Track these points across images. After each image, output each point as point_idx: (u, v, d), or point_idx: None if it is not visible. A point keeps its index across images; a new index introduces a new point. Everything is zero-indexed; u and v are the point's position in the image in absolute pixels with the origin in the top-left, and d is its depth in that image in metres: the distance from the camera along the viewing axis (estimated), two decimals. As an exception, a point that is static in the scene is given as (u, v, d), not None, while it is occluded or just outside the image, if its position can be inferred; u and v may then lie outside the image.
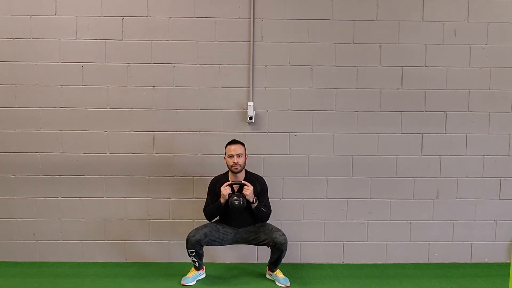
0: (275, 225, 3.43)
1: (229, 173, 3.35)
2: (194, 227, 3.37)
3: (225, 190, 3.22)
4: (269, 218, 3.37)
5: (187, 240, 3.22)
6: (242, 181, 3.26)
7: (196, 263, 3.31)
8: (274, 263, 3.33)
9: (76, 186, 3.66)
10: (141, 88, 3.63)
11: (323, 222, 3.74)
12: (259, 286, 3.30)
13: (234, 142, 3.31)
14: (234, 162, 3.24)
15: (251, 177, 3.37)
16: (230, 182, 3.27)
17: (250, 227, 3.35)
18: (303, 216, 3.73)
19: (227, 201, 3.22)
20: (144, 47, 3.60)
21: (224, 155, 3.34)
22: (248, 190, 3.21)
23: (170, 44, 3.61)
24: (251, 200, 3.23)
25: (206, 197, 3.40)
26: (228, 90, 3.63)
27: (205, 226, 3.32)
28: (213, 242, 3.29)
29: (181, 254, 3.68)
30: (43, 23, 3.57)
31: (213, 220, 3.41)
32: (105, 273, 3.50)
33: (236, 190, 3.27)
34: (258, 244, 3.32)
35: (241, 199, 3.18)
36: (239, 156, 3.25)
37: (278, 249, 3.23)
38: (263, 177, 3.46)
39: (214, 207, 3.31)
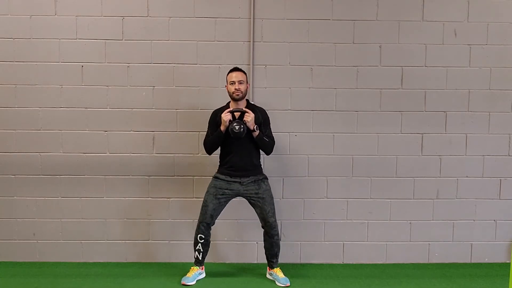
0: (275, 226, 3.38)
1: (231, 102, 3.31)
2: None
3: (226, 116, 3.16)
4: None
5: (198, 227, 3.28)
6: (243, 108, 3.20)
7: (200, 254, 3.31)
8: (270, 256, 3.34)
9: (76, 186, 3.66)
10: (141, 88, 3.63)
11: (323, 222, 3.74)
12: (259, 286, 3.30)
13: (236, 69, 3.28)
14: (235, 89, 3.20)
15: (253, 106, 3.33)
16: (231, 109, 3.21)
17: (252, 186, 3.26)
18: (303, 216, 3.73)
19: (227, 130, 3.17)
20: (144, 47, 3.60)
21: (226, 84, 3.31)
22: (249, 117, 3.15)
23: (170, 44, 3.61)
24: (251, 128, 3.17)
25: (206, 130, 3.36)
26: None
27: (206, 206, 3.27)
28: (219, 214, 3.33)
29: (181, 254, 3.68)
30: (43, 23, 3.57)
31: (212, 191, 3.29)
32: (105, 273, 3.50)
33: (237, 118, 3.20)
34: (253, 206, 3.30)
35: (241, 125, 3.12)
36: (240, 82, 3.21)
37: (268, 233, 3.27)
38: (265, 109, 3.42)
39: (215, 136, 3.25)
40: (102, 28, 3.58)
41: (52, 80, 3.60)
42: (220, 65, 3.62)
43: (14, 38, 3.57)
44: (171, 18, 3.60)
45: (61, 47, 3.59)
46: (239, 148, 3.24)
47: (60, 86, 3.61)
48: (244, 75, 3.28)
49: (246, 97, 3.31)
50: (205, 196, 3.32)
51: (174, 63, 3.62)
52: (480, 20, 3.65)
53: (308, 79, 3.65)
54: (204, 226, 3.27)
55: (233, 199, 3.37)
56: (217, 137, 3.24)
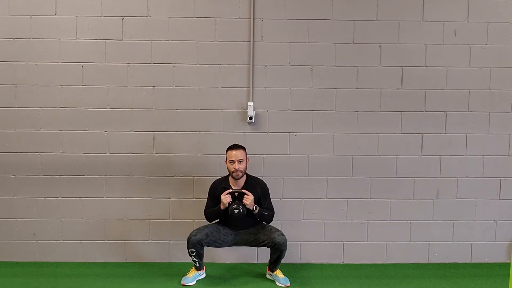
0: (275, 226, 3.43)
1: (230, 177, 3.35)
2: (195, 227, 3.37)
3: (225, 198, 3.21)
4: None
5: (188, 240, 3.22)
6: (243, 190, 3.25)
7: (197, 263, 3.31)
8: (274, 263, 3.33)
9: (76, 186, 3.66)
10: (141, 88, 3.63)
11: (323, 222, 3.74)
12: (259, 286, 3.30)
13: (235, 147, 3.29)
14: (235, 169, 3.24)
15: (252, 182, 3.37)
16: (230, 190, 3.26)
17: (250, 229, 3.36)
18: (303, 216, 3.73)
19: (227, 208, 3.23)
20: (144, 47, 3.60)
21: (225, 159, 3.34)
22: (248, 200, 3.21)
23: (170, 44, 3.60)
24: (251, 208, 3.23)
25: (206, 198, 3.40)
26: (228, 90, 3.63)
27: (206, 226, 3.32)
28: (213, 243, 3.30)
29: (181, 254, 3.68)
30: (43, 23, 3.57)
31: (214, 222, 3.41)
32: (105, 273, 3.50)
33: (236, 197, 3.26)
34: (258, 245, 3.33)
35: (241, 207, 3.19)
36: (240, 162, 3.24)
37: (277, 249, 3.23)
38: (264, 181, 3.45)
39: (214, 211, 3.32)
40: (102, 28, 3.58)
41: (52, 80, 3.60)
42: (220, 65, 3.62)
43: (14, 38, 3.57)
44: (171, 18, 3.60)
45: (61, 47, 3.59)
46: (238, 220, 3.30)
47: (60, 86, 3.61)
48: (244, 153, 3.30)
49: (245, 172, 3.34)
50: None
51: (174, 63, 3.62)
52: (480, 20, 3.65)
53: (308, 79, 3.65)
54: (195, 240, 3.21)
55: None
56: (216, 213, 3.32)
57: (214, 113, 3.64)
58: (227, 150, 3.31)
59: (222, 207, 3.24)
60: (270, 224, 3.40)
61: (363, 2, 3.62)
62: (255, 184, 3.35)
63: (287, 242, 3.27)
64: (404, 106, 3.68)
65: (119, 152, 3.65)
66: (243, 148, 3.32)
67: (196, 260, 3.29)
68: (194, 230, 3.27)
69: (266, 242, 3.26)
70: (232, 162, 3.25)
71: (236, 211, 3.18)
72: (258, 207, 3.28)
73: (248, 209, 3.22)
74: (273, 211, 3.39)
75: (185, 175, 3.68)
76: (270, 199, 3.42)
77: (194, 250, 3.23)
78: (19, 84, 3.60)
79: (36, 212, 3.68)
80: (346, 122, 3.68)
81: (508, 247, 3.79)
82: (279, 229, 3.38)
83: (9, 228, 3.68)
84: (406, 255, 3.77)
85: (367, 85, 3.66)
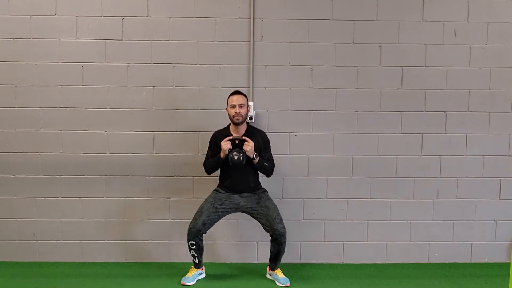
0: (278, 214, 3.31)
1: (231, 126, 3.31)
2: (193, 217, 3.32)
3: (225, 145, 3.16)
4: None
5: (188, 233, 3.21)
6: (243, 137, 3.20)
7: (196, 258, 3.30)
8: (274, 260, 3.33)
9: (76, 186, 3.66)
10: (141, 88, 3.63)
11: (323, 222, 3.74)
12: (259, 286, 3.30)
13: (236, 92, 3.28)
14: (236, 112, 3.20)
15: (253, 130, 3.34)
16: (230, 137, 3.21)
17: (251, 198, 3.27)
18: (303, 216, 3.73)
19: (227, 155, 3.18)
20: (144, 47, 3.60)
21: (226, 106, 3.32)
22: (249, 146, 3.15)
23: (170, 44, 3.61)
24: (251, 156, 3.17)
25: (205, 198, 3.40)
26: (228, 90, 3.61)
27: (201, 212, 3.24)
28: (213, 224, 3.27)
29: (181, 254, 3.68)
30: (43, 23, 3.57)
31: (210, 199, 3.31)
32: (105, 273, 3.50)
33: (237, 144, 3.21)
34: (256, 217, 3.26)
35: (241, 154, 3.13)
36: (241, 106, 3.21)
37: (277, 241, 3.21)
38: (265, 132, 3.42)
39: (214, 161, 3.27)
40: (102, 28, 3.58)
41: (52, 80, 3.60)
42: (220, 65, 3.62)
43: (14, 38, 3.57)
44: (171, 18, 3.60)
45: (61, 47, 3.59)
46: (238, 171, 3.25)
47: (60, 86, 3.61)
48: (245, 98, 3.28)
49: (246, 120, 3.32)
50: (202, 203, 3.31)
51: (174, 63, 3.62)
52: (480, 20, 3.65)
53: (308, 79, 3.65)
54: (194, 232, 3.19)
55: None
56: (216, 162, 3.27)
57: (214, 113, 3.64)
58: (228, 96, 3.28)
59: (222, 155, 3.19)
60: (275, 208, 3.30)
61: (363, 2, 3.62)
62: (256, 133, 3.31)
63: (286, 235, 3.24)
64: (404, 106, 3.68)
65: (119, 152, 3.65)
66: (244, 94, 3.30)
67: (196, 255, 3.27)
68: (191, 222, 3.23)
69: (266, 227, 3.23)
70: (233, 106, 3.21)
71: (236, 157, 3.11)
72: (258, 156, 3.23)
73: (248, 157, 3.17)
74: (274, 163, 3.34)
75: (185, 175, 3.68)
76: (271, 151, 3.37)
77: (194, 242, 3.21)
78: (19, 84, 3.60)
79: (36, 212, 3.68)
80: (346, 122, 3.68)
81: (508, 247, 3.79)
82: (282, 219, 3.28)
83: (9, 228, 3.68)
84: (406, 255, 3.77)
85: (367, 85, 3.66)
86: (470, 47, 3.67)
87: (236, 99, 3.23)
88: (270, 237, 3.26)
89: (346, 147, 3.69)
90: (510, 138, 3.73)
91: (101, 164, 3.65)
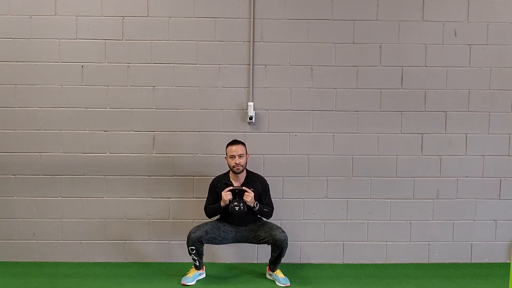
0: (275, 223, 3.42)
1: (230, 173, 3.35)
2: (195, 225, 3.37)
3: (226, 195, 3.22)
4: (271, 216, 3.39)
5: (188, 237, 3.22)
6: (243, 188, 3.26)
7: (196, 261, 3.31)
8: (275, 262, 3.33)
9: (76, 186, 3.66)
10: (141, 88, 3.63)
11: (323, 222, 3.74)
12: (259, 286, 3.30)
13: (235, 142, 3.31)
14: (236, 163, 3.24)
15: (252, 177, 3.37)
16: (231, 188, 3.26)
17: (251, 225, 3.36)
18: (303, 216, 3.73)
19: (227, 204, 3.24)
20: (144, 47, 3.60)
21: (225, 155, 3.34)
22: (249, 197, 3.21)
23: (170, 44, 3.60)
24: (251, 205, 3.24)
25: (206, 196, 3.40)
26: (228, 90, 3.63)
27: (206, 224, 3.33)
28: (213, 240, 3.30)
29: (181, 254, 3.68)
30: (43, 23, 3.57)
31: (214, 219, 3.42)
32: (105, 273, 3.50)
33: (237, 193, 3.26)
34: (258, 242, 3.32)
35: (241, 205, 3.20)
36: (240, 156, 3.25)
37: (278, 247, 3.23)
38: (264, 177, 3.46)
39: (215, 208, 3.32)
40: (102, 28, 3.58)
41: (52, 80, 3.60)
42: (220, 65, 3.62)
43: (14, 38, 3.57)
44: (171, 18, 3.60)
45: (61, 47, 3.59)
46: (238, 217, 3.31)
47: (60, 86, 3.61)
48: (244, 148, 3.31)
49: (246, 167, 3.36)
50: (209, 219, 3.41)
51: (174, 63, 3.62)
52: (480, 20, 3.65)
53: (308, 79, 3.65)
54: (195, 237, 3.20)
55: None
56: (217, 209, 3.32)
57: (214, 113, 3.64)
58: (227, 146, 3.32)
59: (222, 204, 3.24)
60: (270, 221, 3.40)
61: (363, 2, 3.62)
62: (255, 180, 3.36)
63: (288, 240, 3.26)
64: (404, 106, 3.68)
65: (119, 152, 3.65)
66: (243, 143, 3.33)
67: (196, 258, 3.29)
68: (193, 228, 3.28)
69: (266, 239, 3.26)
70: (233, 157, 3.25)
71: (237, 208, 3.19)
72: (258, 204, 3.29)
73: (248, 206, 3.23)
74: (273, 207, 3.41)
75: (185, 175, 3.68)
76: (270, 196, 3.43)
77: (194, 247, 3.22)
78: (19, 84, 3.60)
79: (36, 212, 3.67)
80: (346, 122, 3.68)
81: (508, 247, 3.79)
82: (279, 226, 3.37)
83: (9, 228, 3.68)
84: (406, 255, 3.77)
85: (367, 85, 3.66)
86: (470, 47, 3.67)
87: (235, 150, 3.26)
88: (271, 246, 3.28)
89: (346, 147, 3.69)
90: (510, 138, 3.73)
91: (101, 164, 3.65)
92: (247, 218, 3.35)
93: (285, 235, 3.23)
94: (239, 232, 3.35)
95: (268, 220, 3.42)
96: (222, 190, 3.25)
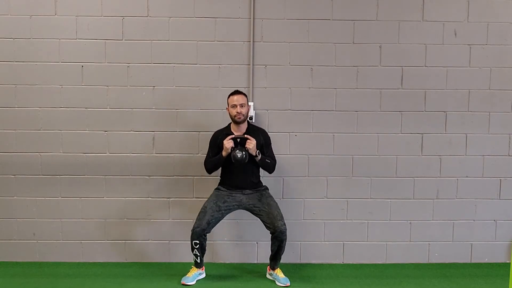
0: (280, 212, 3.33)
1: (232, 125, 3.33)
2: (197, 217, 3.32)
3: (228, 143, 3.18)
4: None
5: (192, 232, 3.21)
6: (245, 135, 3.22)
7: (198, 258, 3.30)
8: (275, 258, 3.33)
9: (76, 186, 3.66)
10: (141, 88, 3.63)
11: (323, 222, 3.74)
12: (259, 286, 3.30)
13: (237, 92, 3.30)
14: (237, 112, 3.22)
15: (254, 128, 3.36)
16: (233, 136, 3.23)
17: (254, 195, 3.29)
18: (303, 216, 3.73)
19: (229, 154, 3.19)
20: (144, 47, 3.60)
21: (227, 106, 3.32)
22: (251, 144, 3.18)
23: (170, 44, 3.61)
24: (254, 154, 3.20)
25: (206, 199, 3.40)
26: (228, 90, 3.61)
27: (205, 212, 3.25)
28: (217, 223, 3.29)
29: (181, 254, 3.68)
30: (43, 23, 3.57)
31: (212, 198, 3.33)
32: (105, 273, 3.50)
33: (239, 142, 3.22)
34: (258, 215, 3.28)
35: (243, 152, 3.15)
36: (242, 106, 3.23)
37: (277, 238, 3.21)
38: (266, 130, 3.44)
39: (216, 159, 3.28)
40: (102, 28, 3.58)
41: (52, 80, 3.60)
42: (220, 65, 3.62)
43: (14, 38, 3.57)
44: (171, 18, 3.60)
45: (61, 47, 3.59)
46: (240, 169, 3.27)
47: (60, 86, 3.61)
48: (245, 98, 3.30)
49: (247, 119, 3.34)
50: (205, 203, 3.32)
51: (174, 63, 3.62)
52: (480, 20, 3.65)
53: (308, 79, 3.65)
54: (199, 232, 3.20)
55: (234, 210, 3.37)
56: (218, 160, 3.28)
57: (214, 113, 3.64)
58: (228, 96, 3.30)
59: (224, 153, 3.21)
60: (276, 206, 3.31)
61: (363, 2, 3.62)
62: (257, 131, 3.34)
63: (287, 232, 3.24)
64: (404, 106, 3.68)
65: (119, 152, 3.65)
66: (244, 94, 3.32)
67: (198, 254, 3.27)
68: (195, 222, 3.25)
69: (268, 225, 3.23)
70: (234, 106, 3.23)
71: (239, 155, 3.13)
72: (260, 154, 3.26)
73: (250, 155, 3.19)
74: (275, 160, 3.37)
75: (185, 175, 3.68)
76: (271, 148, 3.40)
77: (198, 241, 3.21)
78: (19, 84, 3.60)
79: (36, 212, 3.68)
80: (346, 122, 3.68)
81: (508, 247, 3.79)
82: (282, 217, 3.29)
83: (9, 228, 3.68)
84: (406, 255, 3.77)
85: (367, 85, 3.66)
86: (470, 47, 3.67)
87: (237, 99, 3.24)
88: (271, 235, 3.26)
89: (346, 147, 3.69)
90: (510, 138, 3.73)
91: (101, 164, 3.65)
92: (249, 174, 3.28)
93: (285, 227, 3.22)
94: (242, 205, 3.30)
95: (272, 200, 3.30)
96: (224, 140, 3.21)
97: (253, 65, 3.63)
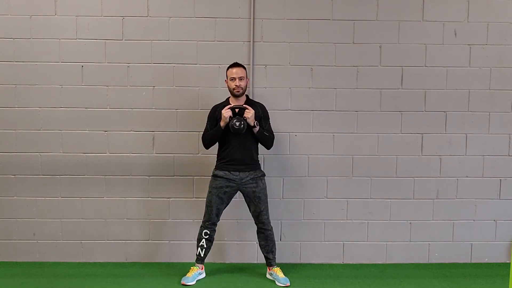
0: (274, 225, 3.44)
1: (230, 98, 3.33)
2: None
3: (226, 112, 3.17)
4: (269, 214, 3.39)
5: (202, 225, 3.33)
6: (244, 105, 3.22)
7: (203, 251, 3.33)
8: (267, 252, 3.36)
9: (76, 186, 3.66)
10: (141, 88, 3.63)
11: (323, 222, 3.74)
12: (259, 286, 3.30)
13: (236, 65, 3.29)
14: (236, 85, 3.22)
15: (252, 101, 3.37)
16: (231, 105, 3.23)
17: (250, 184, 3.27)
18: (303, 216, 3.73)
19: (227, 125, 3.18)
20: (144, 47, 3.60)
21: (225, 78, 3.32)
22: (249, 114, 3.17)
23: (170, 44, 3.61)
24: (252, 124, 3.19)
25: (207, 193, 3.37)
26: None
27: (210, 206, 3.30)
28: (223, 210, 3.37)
29: (181, 254, 3.68)
30: (43, 23, 3.57)
31: (214, 191, 3.31)
32: (105, 273, 3.50)
33: (237, 114, 3.21)
34: (247, 204, 3.35)
35: (242, 121, 3.14)
36: (241, 79, 3.23)
37: (260, 230, 3.34)
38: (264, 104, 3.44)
39: (214, 131, 3.26)
40: (102, 28, 3.58)
41: (52, 80, 3.60)
42: (220, 65, 3.62)
43: (14, 38, 3.57)
44: (171, 18, 3.60)
45: (61, 47, 3.59)
46: (238, 142, 3.25)
47: (60, 86, 3.61)
48: (244, 71, 3.29)
49: (246, 93, 3.33)
50: (208, 197, 3.34)
51: (174, 63, 3.62)
52: (480, 20, 3.65)
53: (308, 79, 3.65)
54: (210, 224, 3.32)
55: (235, 198, 3.41)
56: (216, 132, 3.26)
57: (214, 113, 3.64)
58: (227, 68, 3.30)
59: (222, 123, 3.19)
60: (267, 207, 3.34)
61: (363, 2, 3.62)
62: (255, 104, 3.34)
63: (271, 227, 3.33)
64: (404, 106, 3.68)
65: (119, 152, 3.65)
66: (243, 66, 3.31)
67: (205, 246, 3.32)
68: (204, 217, 3.33)
69: (253, 216, 3.35)
70: (233, 79, 3.23)
71: (237, 123, 3.12)
72: (258, 125, 3.24)
73: (249, 125, 3.18)
74: (273, 135, 3.36)
75: (185, 175, 3.68)
76: (270, 122, 3.39)
77: (208, 232, 3.30)
78: (19, 84, 3.60)
79: (36, 212, 3.67)
80: (346, 122, 3.68)
81: (508, 247, 3.79)
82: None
83: (9, 228, 3.68)
84: (406, 255, 3.77)
85: (367, 85, 3.66)
86: (470, 47, 3.67)
87: (236, 72, 3.24)
88: (256, 229, 3.37)
89: (346, 147, 3.69)
90: (510, 138, 3.73)
91: (101, 164, 3.65)
92: (247, 149, 3.26)
93: (269, 221, 3.34)
94: (241, 185, 3.28)
95: (263, 194, 3.30)
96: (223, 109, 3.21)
97: (253, 65, 3.63)
